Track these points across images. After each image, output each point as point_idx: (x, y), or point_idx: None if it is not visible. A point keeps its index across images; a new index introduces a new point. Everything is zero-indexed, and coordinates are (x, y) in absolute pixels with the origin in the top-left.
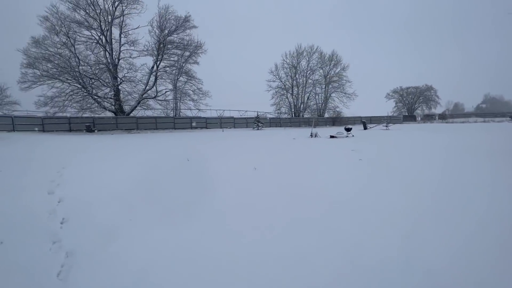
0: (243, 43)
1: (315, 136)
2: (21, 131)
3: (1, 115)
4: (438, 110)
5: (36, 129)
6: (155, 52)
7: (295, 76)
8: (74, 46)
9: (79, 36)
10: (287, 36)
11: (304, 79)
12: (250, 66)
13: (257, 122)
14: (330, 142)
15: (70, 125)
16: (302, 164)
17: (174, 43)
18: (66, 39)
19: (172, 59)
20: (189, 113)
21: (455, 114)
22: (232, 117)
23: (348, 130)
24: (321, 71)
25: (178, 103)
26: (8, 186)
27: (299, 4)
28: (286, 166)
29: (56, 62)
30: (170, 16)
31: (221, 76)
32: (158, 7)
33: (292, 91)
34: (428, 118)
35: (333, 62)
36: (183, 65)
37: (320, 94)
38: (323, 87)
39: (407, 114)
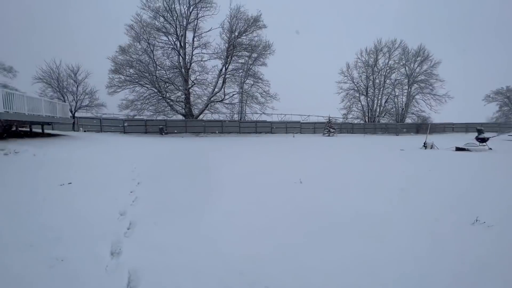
0: (298, 45)
1: (431, 148)
2: (107, 132)
3: (93, 117)
4: None
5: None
6: (224, 54)
7: (372, 76)
8: (153, 52)
9: (158, 42)
10: (345, 37)
11: (382, 79)
12: (304, 68)
13: (329, 127)
14: (466, 158)
15: (146, 127)
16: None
17: (243, 45)
18: (147, 46)
19: (240, 61)
20: (252, 117)
21: None
22: (298, 122)
23: (482, 140)
24: (402, 69)
25: (244, 107)
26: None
27: None
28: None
29: (137, 67)
30: (241, 15)
31: (277, 77)
32: (230, 8)
33: (367, 93)
34: None
35: (419, 58)
36: (250, 67)
37: (400, 96)
38: (405, 88)
39: None
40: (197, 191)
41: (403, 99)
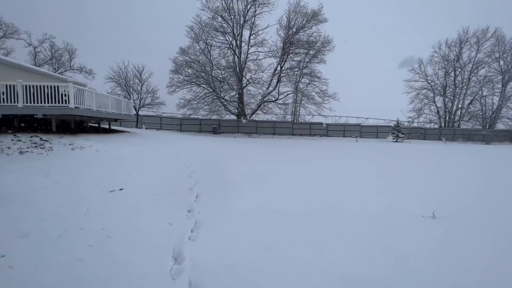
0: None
1: None
2: (166, 130)
3: (154, 115)
4: None
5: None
6: (280, 52)
7: (452, 72)
8: (210, 52)
9: (215, 41)
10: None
11: (466, 75)
12: (354, 67)
13: (397, 131)
14: None
15: (200, 126)
16: None
17: (300, 42)
18: (205, 46)
19: (296, 59)
20: (305, 119)
21: None
22: (358, 125)
23: None
24: (495, 64)
25: (298, 107)
26: None
27: None
28: None
29: (195, 67)
30: (300, 9)
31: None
32: (289, 2)
33: (444, 92)
34: None
35: None
36: (307, 65)
37: (489, 97)
38: (498, 86)
39: None
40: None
41: (494, 100)
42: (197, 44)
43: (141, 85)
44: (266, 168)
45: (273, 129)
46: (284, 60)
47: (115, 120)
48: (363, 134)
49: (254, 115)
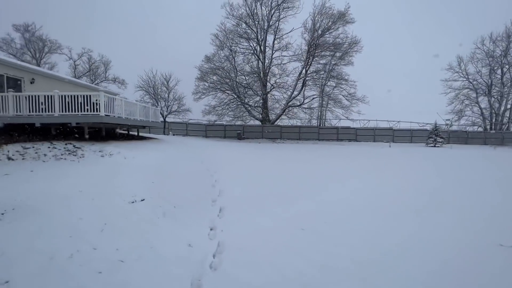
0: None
1: None
2: (192, 136)
3: (180, 122)
4: None
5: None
6: (305, 56)
7: (500, 69)
8: (234, 59)
9: (239, 48)
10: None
11: None
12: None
13: (435, 135)
14: None
15: (225, 132)
16: None
17: (325, 44)
18: (229, 53)
19: (321, 61)
20: (331, 123)
21: None
22: (390, 129)
23: None
24: None
25: (324, 111)
26: None
27: None
28: None
29: (219, 74)
30: (326, 11)
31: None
32: (314, 5)
33: (490, 91)
34: None
35: None
36: (333, 67)
37: None
38: None
39: None
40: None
41: None
42: (221, 51)
43: (168, 92)
44: (295, 179)
45: (298, 134)
46: (309, 63)
47: (143, 127)
48: (396, 139)
49: (278, 120)
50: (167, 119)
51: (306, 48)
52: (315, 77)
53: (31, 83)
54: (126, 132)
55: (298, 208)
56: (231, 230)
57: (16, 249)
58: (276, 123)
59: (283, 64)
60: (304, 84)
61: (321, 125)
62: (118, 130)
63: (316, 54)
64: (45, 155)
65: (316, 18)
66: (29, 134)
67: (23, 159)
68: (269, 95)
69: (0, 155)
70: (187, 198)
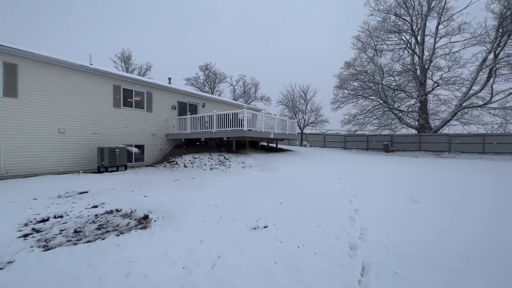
0: None
1: None
2: (329, 147)
3: (318, 133)
4: None
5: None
6: (493, 35)
7: None
8: (380, 59)
9: (386, 45)
10: None
11: None
12: None
13: None
14: None
15: (368, 143)
16: None
17: None
18: (374, 53)
19: None
20: None
21: None
22: None
23: None
24: None
25: None
26: None
27: None
28: None
29: (361, 79)
30: None
31: None
32: None
33: None
34: None
35: None
36: None
37: None
38: None
39: None
40: None
41: None
42: (364, 54)
43: (306, 104)
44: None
45: (482, 145)
46: (501, 44)
47: (281, 139)
48: None
49: (445, 127)
50: (304, 131)
51: (496, 23)
52: (511, 62)
53: (202, 106)
54: (266, 144)
55: None
56: None
57: (115, 274)
58: (441, 131)
59: (454, 52)
60: (490, 75)
61: None
62: (260, 143)
63: None
64: (205, 164)
65: None
66: (197, 146)
67: (192, 167)
68: (430, 95)
69: (180, 163)
70: (316, 235)
